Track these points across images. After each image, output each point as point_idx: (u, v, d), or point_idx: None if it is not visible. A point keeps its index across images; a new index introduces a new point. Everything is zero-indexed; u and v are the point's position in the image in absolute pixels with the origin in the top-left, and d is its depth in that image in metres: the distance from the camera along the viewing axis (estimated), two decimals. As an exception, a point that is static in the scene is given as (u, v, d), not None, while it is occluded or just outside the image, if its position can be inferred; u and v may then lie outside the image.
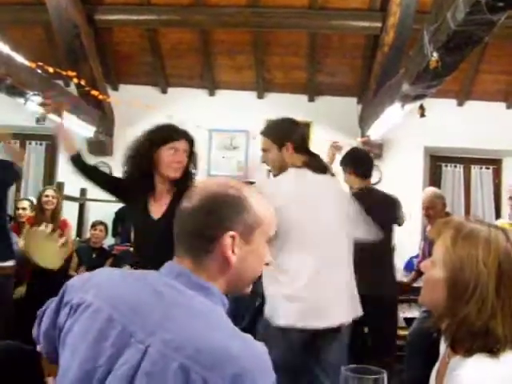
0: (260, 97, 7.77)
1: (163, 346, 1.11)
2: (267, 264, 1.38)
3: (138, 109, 7.16)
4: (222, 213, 1.27)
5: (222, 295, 1.29)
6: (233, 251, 1.27)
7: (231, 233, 1.26)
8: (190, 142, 3.14)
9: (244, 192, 1.32)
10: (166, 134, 3.09)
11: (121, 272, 1.38)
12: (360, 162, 4.48)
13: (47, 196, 5.89)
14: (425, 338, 4.27)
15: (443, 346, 1.51)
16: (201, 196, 1.29)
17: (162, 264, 1.34)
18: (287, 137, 3.03)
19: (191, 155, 3.16)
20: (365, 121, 7.15)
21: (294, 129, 3.13)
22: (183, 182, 3.05)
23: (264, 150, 3.10)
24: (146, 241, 3.08)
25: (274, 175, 3.11)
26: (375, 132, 6.81)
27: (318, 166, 3.09)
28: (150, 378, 1.09)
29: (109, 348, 1.16)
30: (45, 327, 1.37)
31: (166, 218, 2.91)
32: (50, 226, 5.58)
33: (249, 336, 1.18)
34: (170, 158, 3.04)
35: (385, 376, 1.13)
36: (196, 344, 1.11)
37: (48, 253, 5.47)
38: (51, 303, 1.40)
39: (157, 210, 3.05)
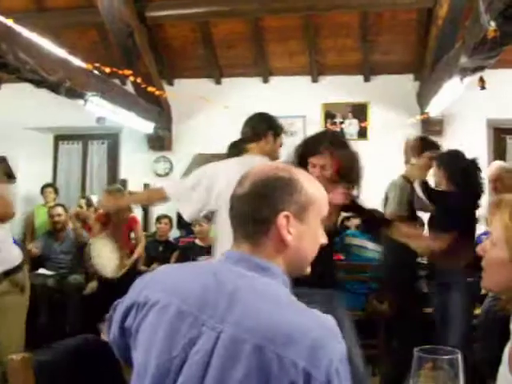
0: (314, 81, 7.71)
1: (234, 330, 1.14)
2: (322, 244, 1.40)
3: (194, 102, 7.23)
4: (275, 195, 1.29)
5: (283, 274, 1.31)
6: (288, 231, 1.29)
7: (285, 213, 1.28)
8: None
9: (294, 173, 1.34)
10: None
11: (182, 265, 1.42)
12: None
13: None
14: (498, 318, 4.17)
15: None
16: (252, 181, 1.31)
17: None
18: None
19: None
20: (423, 97, 7.00)
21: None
22: None
23: None
24: None
25: None
26: (435, 108, 6.66)
27: None
28: (224, 362, 1.12)
29: (182, 339, 1.19)
30: (113, 334, 1.41)
31: None
32: (112, 239, 5.71)
33: (315, 310, 1.20)
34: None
35: (459, 356, 1.11)
36: (266, 323, 1.13)
37: (108, 262, 5.61)
38: (117, 308, 1.42)
39: None
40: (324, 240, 1.40)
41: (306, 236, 1.33)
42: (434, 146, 4.42)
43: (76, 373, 1.46)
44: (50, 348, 1.50)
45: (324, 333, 1.14)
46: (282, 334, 1.11)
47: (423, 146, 4.39)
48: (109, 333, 1.43)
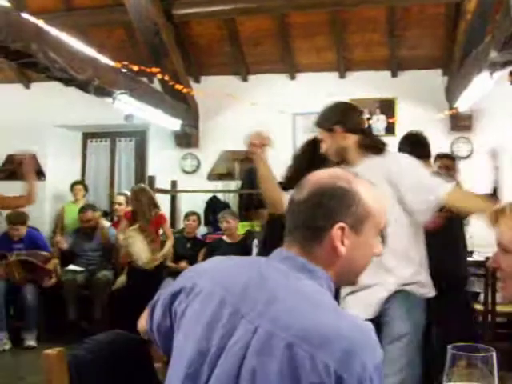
0: (342, 76, 7.68)
1: (271, 326, 1.15)
2: (376, 254, 1.38)
3: (221, 99, 7.25)
4: (331, 205, 1.29)
5: (328, 279, 1.31)
6: (342, 242, 1.28)
7: (340, 224, 1.28)
8: None
9: (354, 184, 1.32)
10: None
11: (230, 257, 1.46)
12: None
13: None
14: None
15: None
16: (310, 189, 1.31)
17: None
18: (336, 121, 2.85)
19: None
20: (452, 93, 6.93)
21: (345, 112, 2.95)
22: None
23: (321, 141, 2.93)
24: None
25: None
26: (463, 103, 6.59)
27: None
28: (259, 357, 1.13)
29: (220, 328, 1.21)
30: (157, 320, 1.42)
31: None
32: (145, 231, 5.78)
33: (355, 315, 1.21)
34: None
35: (494, 354, 1.09)
36: (303, 323, 1.14)
37: (143, 254, 5.69)
38: (162, 295, 1.44)
39: None
40: (379, 250, 1.38)
41: (360, 248, 1.32)
42: None
43: (109, 367, 1.48)
44: (83, 343, 1.52)
45: (361, 338, 1.13)
46: (317, 334, 1.11)
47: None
48: (150, 320, 1.45)
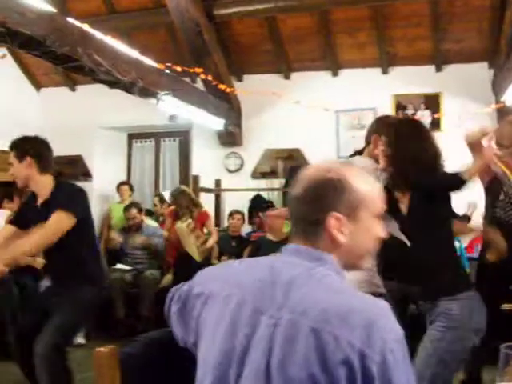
0: (385, 72, 7.59)
1: (291, 316, 1.19)
2: (381, 239, 1.42)
3: (264, 97, 7.25)
4: (324, 197, 1.33)
5: (336, 265, 1.34)
6: (341, 231, 1.32)
7: (334, 214, 1.31)
8: None
9: (343, 173, 1.35)
10: None
11: (240, 260, 1.54)
12: None
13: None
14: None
15: None
16: (303, 183, 1.36)
17: None
18: None
19: None
20: (498, 86, 6.79)
21: None
22: None
23: None
24: None
25: None
26: (511, 97, 6.45)
27: None
28: (285, 346, 1.17)
29: (243, 328, 1.24)
30: (175, 312, 1.46)
31: None
32: (191, 224, 5.81)
33: (367, 294, 1.26)
34: None
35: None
36: (321, 306, 1.18)
37: (192, 247, 5.75)
38: (180, 288, 1.49)
39: None
40: (383, 234, 1.41)
41: (360, 234, 1.35)
42: None
43: (160, 365, 1.50)
44: (134, 341, 1.54)
45: (377, 313, 1.18)
46: (336, 315, 1.16)
47: None
48: (168, 307, 1.51)
